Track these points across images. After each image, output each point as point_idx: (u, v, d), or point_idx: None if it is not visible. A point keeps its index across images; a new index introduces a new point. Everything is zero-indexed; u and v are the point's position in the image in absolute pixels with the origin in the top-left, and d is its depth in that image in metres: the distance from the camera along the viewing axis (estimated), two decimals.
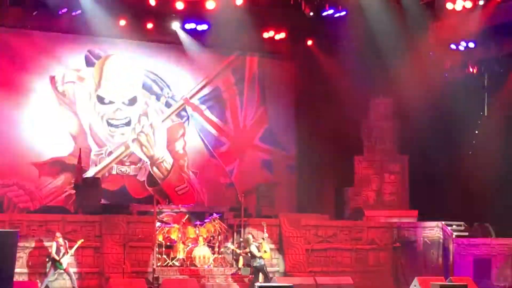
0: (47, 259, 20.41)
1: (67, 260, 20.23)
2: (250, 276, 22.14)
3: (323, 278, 21.32)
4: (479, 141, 27.03)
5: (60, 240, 20.34)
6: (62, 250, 20.27)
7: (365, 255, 25.04)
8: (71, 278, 20.34)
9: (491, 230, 25.54)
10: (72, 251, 20.51)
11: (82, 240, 20.81)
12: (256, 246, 21.46)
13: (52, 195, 25.11)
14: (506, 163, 25.41)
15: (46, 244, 20.83)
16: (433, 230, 25.20)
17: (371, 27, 25.15)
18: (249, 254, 21.70)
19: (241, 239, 22.77)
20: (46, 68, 25.41)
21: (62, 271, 20.34)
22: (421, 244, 25.08)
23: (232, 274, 22.62)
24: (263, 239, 21.90)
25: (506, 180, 25.31)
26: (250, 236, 22.05)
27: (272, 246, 23.52)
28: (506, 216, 25.09)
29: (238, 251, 22.55)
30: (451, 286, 19.63)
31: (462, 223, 25.29)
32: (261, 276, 21.35)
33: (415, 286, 20.78)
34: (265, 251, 21.51)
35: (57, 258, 20.15)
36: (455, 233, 24.92)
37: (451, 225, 25.18)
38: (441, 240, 25.02)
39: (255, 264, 21.37)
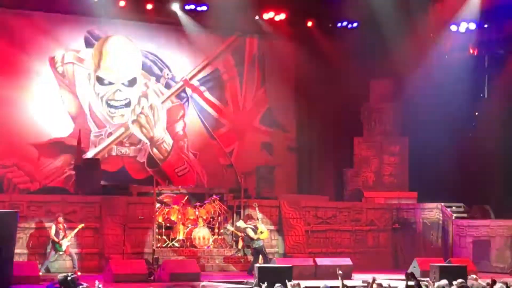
0: (50, 241, 20.43)
1: (66, 243, 20.25)
2: (250, 257, 22.19)
3: (323, 259, 21.34)
4: (479, 123, 27.02)
5: (61, 224, 20.35)
6: (61, 233, 20.29)
7: (365, 236, 25.10)
8: (72, 259, 20.37)
9: (491, 211, 25.58)
10: (72, 235, 20.53)
11: (83, 225, 20.83)
12: (252, 229, 21.46)
13: (52, 176, 25.12)
14: (505, 145, 25.42)
15: (46, 225, 20.86)
16: (432, 211, 25.25)
17: (371, 8, 25.09)
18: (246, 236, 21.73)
19: (234, 228, 22.77)
20: (45, 49, 25.34)
21: (62, 253, 20.37)
22: (420, 225, 25.14)
23: (231, 255, 22.67)
24: (257, 219, 21.85)
25: (506, 161, 25.33)
26: (240, 222, 22.08)
27: (272, 227, 23.55)
28: (506, 198, 25.13)
29: (239, 233, 22.56)
30: (451, 267, 19.68)
31: (461, 204, 25.33)
32: (260, 257, 21.39)
33: (414, 267, 20.83)
34: (261, 232, 21.49)
35: (56, 240, 20.18)
36: (454, 215, 24.97)
37: (450, 207, 25.22)
38: (440, 222, 25.07)
39: (254, 246, 21.40)
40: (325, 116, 27.51)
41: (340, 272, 14.54)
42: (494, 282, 13.90)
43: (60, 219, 20.47)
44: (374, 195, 26.50)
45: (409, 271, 14.01)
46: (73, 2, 24.64)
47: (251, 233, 21.36)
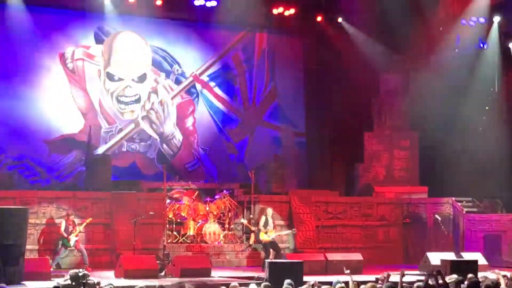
0: (60, 237, 20.50)
1: (74, 238, 20.30)
2: (262, 252, 22.19)
3: (333, 255, 21.33)
4: (489, 117, 26.94)
5: (71, 218, 20.43)
6: (71, 228, 20.36)
7: (375, 232, 25.08)
8: (83, 255, 20.43)
9: (502, 206, 25.53)
10: (80, 228, 20.59)
11: (91, 219, 20.89)
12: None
13: (63, 172, 25.18)
14: None
15: (57, 221, 20.92)
16: (443, 206, 25.21)
17: (381, 2, 25.04)
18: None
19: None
20: (55, 46, 25.38)
21: (71, 248, 20.42)
22: (431, 220, 25.09)
23: (242, 251, 22.69)
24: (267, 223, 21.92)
25: None
26: (243, 220, 22.28)
27: (282, 222, 23.57)
28: None
29: (253, 228, 22.54)
30: (462, 262, 19.64)
31: (472, 199, 25.29)
32: (271, 251, 21.41)
33: (425, 262, 20.81)
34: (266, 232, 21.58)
35: (65, 235, 20.25)
36: (465, 209, 24.92)
37: (461, 201, 25.18)
38: (451, 216, 25.03)
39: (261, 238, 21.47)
40: (335, 111, 27.48)
41: (348, 271, 14.52)
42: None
43: (71, 216, 20.53)
44: (384, 190, 26.46)
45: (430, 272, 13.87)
46: None
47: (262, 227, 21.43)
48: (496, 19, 26.16)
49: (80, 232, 20.62)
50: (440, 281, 12.76)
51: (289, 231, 22.69)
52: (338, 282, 13.38)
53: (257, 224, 22.35)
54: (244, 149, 27.94)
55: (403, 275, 13.66)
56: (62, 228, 20.31)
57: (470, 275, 14.64)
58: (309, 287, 13.01)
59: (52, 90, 25.21)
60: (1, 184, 22.26)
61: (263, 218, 21.63)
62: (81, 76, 25.67)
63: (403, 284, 13.45)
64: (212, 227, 22.74)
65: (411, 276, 16.50)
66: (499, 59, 26.85)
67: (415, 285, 12.74)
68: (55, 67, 25.32)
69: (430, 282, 12.86)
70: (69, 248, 20.44)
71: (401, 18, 24.94)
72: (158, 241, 21.64)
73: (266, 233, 21.41)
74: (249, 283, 14.76)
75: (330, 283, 13.25)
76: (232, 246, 22.78)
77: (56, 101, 25.23)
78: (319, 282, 13.43)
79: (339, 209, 24.75)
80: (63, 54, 25.46)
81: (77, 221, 20.67)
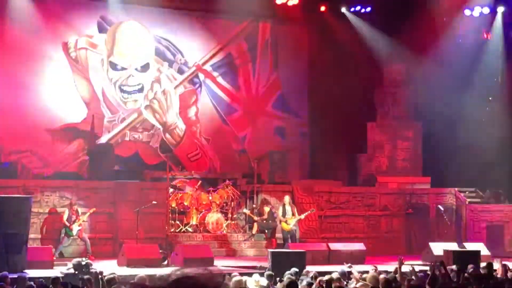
0: (63, 226, 20.55)
1: (76, 227, 20.34)
2: (263, 242, 22.27)
3: (336, 245, 21.36)
4: (493, 108, 26.92)
5: (74, 208, 20.47)
6: (74, 217, 20.39)
7: (378, 222, 25.09)
8: (86, 244, 20.47)
9: (504, 196, 25.52)
10: (84, 218, 20.63)
11: (94, 209, 20.93)
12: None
13: (66, 161, 25.18)
14: None
15: (59, 210, 20.96)
16: (446, 196, 25.21)
17: None
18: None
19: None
20: (58, 35, 25.37)
21: (74, 237, 20.46)
22: (434, 210, 25.09)
23: (245, 240, 22.72)
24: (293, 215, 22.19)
25: None
26: (245, 209, 22.42)
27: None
28: None
29: (255, 217, 22.61)
30: (464, 252, 19.67)
31: (475, 189, 25.28)
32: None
33: (427, 252, 20.83)
34: (286, 221, 21.91)
35: (67, 224, 20.29)
36: (468, 200, 24.92)
37: (464, 192, 25.18)
38: (454, 207, 25.04)
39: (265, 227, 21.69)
40: (338, 101, 27.44)
41: (349, 264, 14.57)
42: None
43: (75, 207, 20.58)
44: (387, 180, 26.46)
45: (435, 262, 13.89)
46: None
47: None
48: (500, 9, 26.10)
49: (83, 221, 20.66)
50: (443, 271, 12.79)
51: (307, 212, 22.67)
52: (343, 271, 13.42)
53: (260, 214, 22.47)
54: (247, 139, 27.92)
55: (401, 263, 13.68)
56: (65, 217, 20.35)
57: (470, 266, 14.69)
58: (310, 279, 13.03)
59: (55, 79, 25.20)
60: (4, 173, 22.28)
61: (280, 208, 21.87)
62: (84, 65, 25.66)
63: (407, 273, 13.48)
64: (215, 217, 22.76)
65: (415, 266, 16.48)
66: (503, 50, 26.81)
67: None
68: (58, 56, 25.30)
69: (436, 272, 12.89)
70: (71, 237, 20.49)
71: (404, 9, 24.89)
72: (161, 230, 21.65)
73: (286, 222, 21.64)
74: (252, 273, 14.80)
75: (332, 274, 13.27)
76: (235, 236, 22.80)
77: (59, 90, 25.22)
78: (319, 273, 13.47)
79: (342, 199, 24.75)
80: (66, 43, 25.44)
81: (80, 210, 20.71)
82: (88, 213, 20.77)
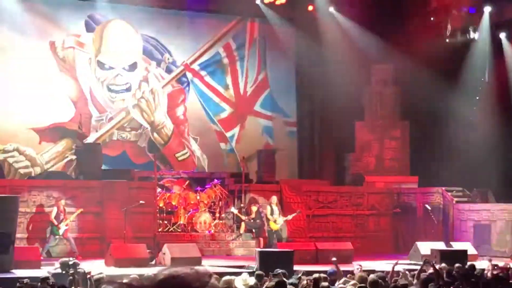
0: (49, 225, 20.48)
1: (64, 227, 20.28)
2: (251, 242, 22.27)
3: (324, 244, 21.37)
4: (480, 107, 26.99)
5: (61, 206, 20.42)
6: (61, 216, 20.33)
7: (365, 221, 25.13)
8: (70, 243, 20.41)
9: (491, 195, 25.60)
10: (71, 218, 20.57)
11: (82, 209, 20.88)
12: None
13: (53, 160, 25.12)
14: (506, 129, 25.39)
15: (47, 209, 20.89)
16: (433, 195, 25.27)
17: None
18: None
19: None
20: (46, 34, 25.29)
21: (60, 236, 20.38)
22: (421, 209, 25.15)
23: (233, 240, 22.71)
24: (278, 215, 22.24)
25: (506, 145, 25.31)
26: (233, 208, 22.47)
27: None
28: (506, 182, 25.13)
29: (243, 217, 22.61)
30: (451, 251, 19.72)
31: (462, 188, 25.35)
32: (261, 240, 21.58)
33: (415, 251, 20.86)
34: (275, 221, 21.90)
35: (55, 223, 20.21)
36: (455, 199, 24.98)
37: (451, 191, 25.24)
38: (441, 206, 25.09)
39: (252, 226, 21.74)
40: (326, 100, 27.48)
41: (334, 258, 14.59)
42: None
43: (62, 202, 20.52)
44: (375, 180, 26.51)
45: (426, 259, 13.94)
46: None
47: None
48: (487, 9, 26.17)
49: (70, 221, 20.59)
50: (431, 270, 12.81)
51: (294, 214, 22.65)
52: (332, 271, 13.44)
53: (247, 214, 22.50)
54: (235, 138, 27.92)
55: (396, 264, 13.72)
56: (53, 215, 20.27)
57: (457, 265, 14.73)
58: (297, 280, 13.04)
59: (42, 79, 25.12)
60: None
61: (268, 208, 21.91)
62: (71, 65, 25.60)
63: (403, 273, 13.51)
64: (203, 216, 22.74)
65: (402, 265, 16.52)
66: (490, 49, 26.88)
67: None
68: (45, 55, 25.23)
69: (425, 269, 12.94)
70: (57, 236, 20.40)
71: (392, 8, 24.94)
72: (148, 230, 21.60)
73: (274, 221, 21.67)
74: (241, 272, 14.79)
75: (321, 272, 13.28)
76: (222, 235, 22.79)
77: (46, 89, 25.15)
78: (307, 272, 13.48)
79: (329, 199, 24.78)
80: (54, 42, 25.37)
81: (67, 209, 20.64)
82: (76, 214, 20.71)
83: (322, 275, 12.61)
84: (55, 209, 20.37)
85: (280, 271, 13.65)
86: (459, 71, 26.20)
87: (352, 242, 21.86)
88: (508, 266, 15.59)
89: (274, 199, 22.34)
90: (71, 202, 21.18)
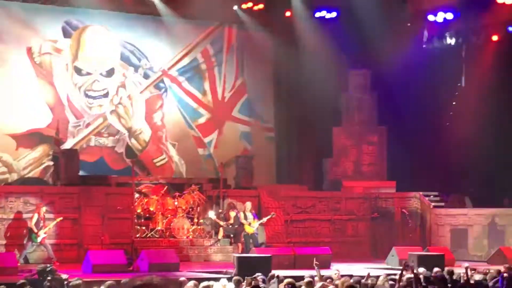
0: (28, 231, 20.36)
1: (43, 234, 20.18)
2: (229, 247, 22.27)
3: (302, 249, 21.39)
4: (457, 112, 27.15)
5: (42, 213, 20.31)
6: (41, 223, 20.23)
7: (344, 226, 25.18)
8: (47, 250, 20.30)
9: (468, 200, 25.75)
10: (50, 226, 20.46)
11: (61, 218, 20.78)
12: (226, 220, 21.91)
13: (30, 166, 25.01)
14: (482, 134, 25.54)
15: (25, 216, 20.78)
16: (411, 200, 25.39)
17: None
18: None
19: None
20: (23, 39, 25.19)
21: (37, 243, 20.27)
22: (399, 214, 25.25)
23: (211, 245, 22.68)
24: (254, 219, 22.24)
25: (483, 150, 25.46)
26: (211, 213, 22.48)
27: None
28: (483, 187, 25.28)
29: (221, 222, 22.59)
30: (429, 256, 19.81)
31: (439, 193, 25.48)
32: (240, 245, 21.61)
33: (392, 256, 20.94)
34: (249, 224, 21.89)
35: (35, 230, 20.10)
36: (432, 204, 25.11)
37: (428, 196, 25.36)
38: (419, 211, 25.21)
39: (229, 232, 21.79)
40: (304, 106, 27.53)
41: (317, 263, 14.60)
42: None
43: (43, 208, 20.44)
44: (353, 185, 26.58)
45: (406, 262, 13.96)
46: None
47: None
48: (463, 15, 26.32)
49: (49, 229, 20.49)
50: (411, 275, 12.85)
51: (268, 216, 22.63)
52: (311, 276, 13.46)
53: (226, 219, 22.50)
54: (213, 144, 27.91)
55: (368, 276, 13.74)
56: (33, 222, 20.15)
57: (436, 269, 14.79)
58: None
59: (19, 85, 25.02)
60: None
61: (241, 214, 21.93)
62: (48, 70, 25.51)
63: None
64: (180, 222, 22.70)
65: (379, 270, 16.58)
66: (466, 55, 27.06)
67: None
68: (22, 61, 25.13)
69: (404, 273, 12.97)
70: (34, 243, 20.28)
71: (369, 14, 25.03)
72: (126, 236, 21.53)
73: (249, 224, 21.68)
74: (219, 278, 14.79)
75: (298, 278, 13.29)
76: (200, 241, 22.75)
77: (23, 95, 25.05)
78: (286, 277, 13.48)
79: (308, 204, 24.82)
80: (30, 48, 25.28)
81: (46, 216, 20.52)
82: (55, 222, 20.62)
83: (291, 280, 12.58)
84: (36, 216, 20.25)
85: (260, 275, 13.67)
86: (435, 76, 26.33)
87: (330, 247, 21.88)
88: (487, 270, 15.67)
89: (248, 205, 22.30)
90: (49, 208, 21.08)
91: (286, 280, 12.52)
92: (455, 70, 27.12)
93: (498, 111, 25.34)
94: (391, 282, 13.32)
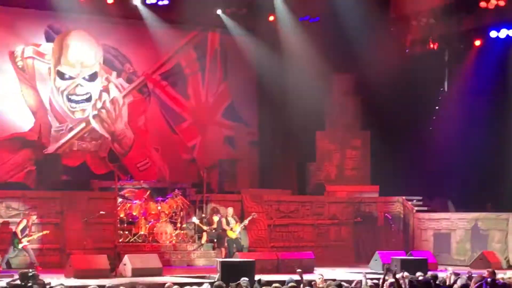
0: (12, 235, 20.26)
1: (26, 242, 20.06)
2: (212, 252, 22.24)
3: (285, 253, 21.39)
4: (439, 117, 27.23)
5: (30, 222, 20.21)
6: (27, 231, 20.12)
7: (327, 230, 25.20)
8: (29, 255, 20.19)
9: (451, 205, 25.83)
10: (35, 236, 20.35)
11: (48, 231, 20.68)
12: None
13: (12, 171, 24.86)
14: (465, 138, 25.63)
15: (11, 220, 20.69)
16: (394, 205, 25.46)
17: (332, 3, 25.16)
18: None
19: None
20: (5, 44, 25.08)
21: (19, 249, 20.14)
22: (382, 219, 25.29)
23: (194, 250, 22.64)
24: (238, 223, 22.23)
25: (466, 155, 25.54)
26: (194, 218, 22.47)
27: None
28: (465, 191, 25.36)
29: (204, 227, 22.57)
30: (412, 260, 19.85)
31: (422, 197, 25.55)
32: (223, 250, 21.59)
33: (376, 260, 20.97)
34: (231, 229, 21.86)
35: (19, 236, 19.98)
36: (415, 208, 25.18)
37: (411, 200, 25.43)
38: (402, 215, 25.27)
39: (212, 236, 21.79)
40: (287, 110, 27.53)
41: (299, 270, 14.61)
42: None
43: (33, 217, 20.36)
44: (336, 189, 26.60)
45: (388, 266, 14.00)
46: None
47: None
48: (446, 19, 26.41)
49: (33, 239, 20.36)
50: (393, 280, 12.87)
51: (249, 217, 22.58)
52: (291, 280, 13.44)
53: (209, 224, 22.48)
54: (197, 148, 27.88)
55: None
56: (20, 227, 20.03)
57: (419, 273, 14.83)
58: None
59: (1, 89, 24.91)
60: None
61: (223, 220, 21.89)
62: (31, 75, 25.40)
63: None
64: (164, 227, 22.65)
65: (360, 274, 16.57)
66: (448, 59, 27.16)
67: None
68: (5, 65, 25.03)
69: (387, 277, 12.99)
70: (16, 249, 20.17)
71: (352, 18, 25.08)
72: (109, 241, 21.45)
73: (231, 229, 21.66)
74: (202, 283, 14.76)
75: (282, 282, 13.27)
76: (184, 246, 22.72)
77: (5, 99, 24.94)
78: (268, 281, 13.47)
79: (291, 208, 24.82)
80: (13, 52, 25.17)
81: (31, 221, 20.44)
82: (40, 234, 20.52)
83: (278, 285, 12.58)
84: (24, 222, 20.15)
85: (245, 280, 13.65)
86: (418, 80, 26.40)
87: (314, 251, 21.91)
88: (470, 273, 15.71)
89: (230, 210, 22.27)
90: (31, 213, 20.94)
91: (273, 285, 12.52)
92: (438, 75, 27.21)
93: (481, 115, 25.43)
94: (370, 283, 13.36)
